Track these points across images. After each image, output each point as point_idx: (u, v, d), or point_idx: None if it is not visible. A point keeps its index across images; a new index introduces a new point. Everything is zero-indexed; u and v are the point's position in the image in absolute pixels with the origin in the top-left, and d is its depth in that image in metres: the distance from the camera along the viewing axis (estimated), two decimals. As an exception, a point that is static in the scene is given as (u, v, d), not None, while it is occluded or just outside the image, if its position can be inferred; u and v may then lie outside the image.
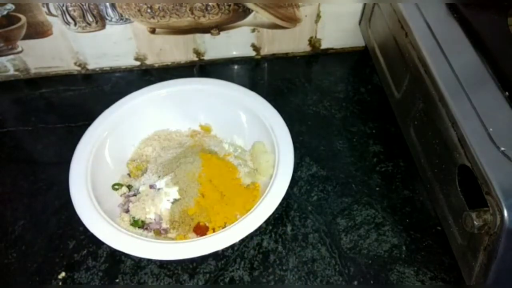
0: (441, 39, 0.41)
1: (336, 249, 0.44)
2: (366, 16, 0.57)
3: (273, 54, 0.63)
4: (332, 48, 0.64)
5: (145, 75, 0.61)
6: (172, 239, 0.42)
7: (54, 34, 0.55)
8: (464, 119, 0.35)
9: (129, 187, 0.46)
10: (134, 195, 0.45)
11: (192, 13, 0.54)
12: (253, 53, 0.62)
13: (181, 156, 0.47)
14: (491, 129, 0.34)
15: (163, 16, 0.54)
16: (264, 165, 0.45)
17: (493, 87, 0.37)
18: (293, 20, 0.58)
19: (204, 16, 0.55)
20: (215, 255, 0.43)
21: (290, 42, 0.61)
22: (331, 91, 0.59)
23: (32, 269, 0.42)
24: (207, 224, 0.43)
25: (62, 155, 0.46)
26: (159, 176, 0.46)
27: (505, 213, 0.30)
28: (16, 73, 0.59)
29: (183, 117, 0.51)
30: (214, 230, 0.42)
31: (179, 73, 0.60)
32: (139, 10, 0.53)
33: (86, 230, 0.39)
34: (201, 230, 0.42)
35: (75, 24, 0.54)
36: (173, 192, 0.44)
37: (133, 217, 0.43)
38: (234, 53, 0.62)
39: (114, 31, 0.56)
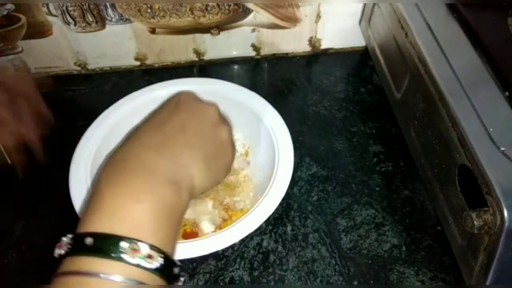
0: (441, 39, 0.41)
1: (336, 249, 0.44)
2: (366, 16, 0.57)
3: (273, 54, 0.63)
4: (332, 48, 0.64)
5: (145, 75, 0.61)
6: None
7: (54, 34, 0.55)
8: (464, 119, 0.35)
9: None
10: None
11: (192, 13, 0.54)
12: (253, 53, 0.62)
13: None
14: (491, 129, 0.34)
15: (163, 16, 0.54)
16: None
17: (493, 87, 0.37)
18: (293, 20, 0.58)
19: (204, 16, 0.55)
20: (215, 255, 0.43)
21: (290, 42, 0.61)
22: (331, 91, 0.59)
23: (32, 269, 0.42)
24: (194, 230, 0.43)
25: (62, 155, 0.46)
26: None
27: (505, 213, 0.30)
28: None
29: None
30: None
31: (179, 73, 0.60)
32: (139, 10, 0.53)
33: (86, 230, 0.39)
34: (191, 236, 0.42)
35: (75, 24, 0.54)
36: None
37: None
38: (234, 53, 0.62)
39: (114, 31, 0.56)
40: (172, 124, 0.33)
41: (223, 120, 0.36)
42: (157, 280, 0.25)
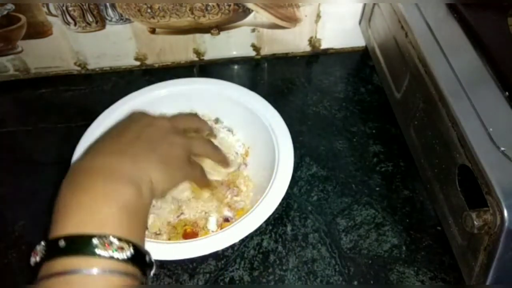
0: (441, 39, 0.41)
1: (336, 249, 0.44)
2: (366, 16, 0.57)
3: (273, 54, 0.63)
4: (332, 48, 0.64)
5: (145, 75, 0.61)
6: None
7: (54, 34, 0.55)
8: (464, 119, 0.35)
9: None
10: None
11: (192, 13, 0.54)
12: (253, 53, 0.62)
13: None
14: (491, 129, 0.34)
15: (163, 16, 0.54)
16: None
17: (493, 87, 0.37)
18: (293, 20, 0.58)
19: (204, 16, 0.55)
20: (215, 255, 0.43)
21: (290, 42, 0.61)
22: (331, 91, 0.59)
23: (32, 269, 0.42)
24: (194, 230, 0.43)
25: (62, 155, 0.46)
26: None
27: (505, 213, 0.30)
28: (16, 73, 0.59)
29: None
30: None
31: (179, 73, 0.60)
32: (139, 10, 0.53)
33: (86, 230, 0.39)
34: (191, 236, 0.42)
35: (75, 24, 0.54)
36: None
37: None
38: (234, 53, 0.62)
39: (114, 31, 0.56)
40: (127, 135, 0.35)
41: (178, 131, 0.38)
42: (131, 268, 0.27)
